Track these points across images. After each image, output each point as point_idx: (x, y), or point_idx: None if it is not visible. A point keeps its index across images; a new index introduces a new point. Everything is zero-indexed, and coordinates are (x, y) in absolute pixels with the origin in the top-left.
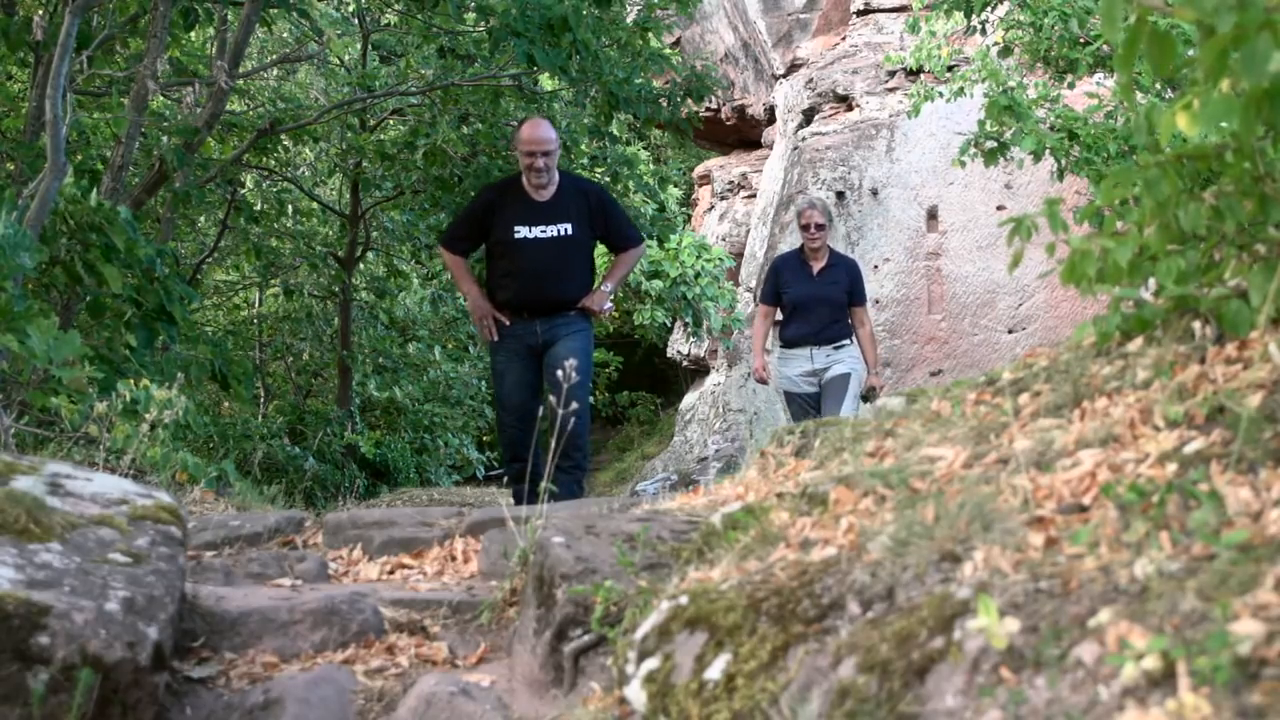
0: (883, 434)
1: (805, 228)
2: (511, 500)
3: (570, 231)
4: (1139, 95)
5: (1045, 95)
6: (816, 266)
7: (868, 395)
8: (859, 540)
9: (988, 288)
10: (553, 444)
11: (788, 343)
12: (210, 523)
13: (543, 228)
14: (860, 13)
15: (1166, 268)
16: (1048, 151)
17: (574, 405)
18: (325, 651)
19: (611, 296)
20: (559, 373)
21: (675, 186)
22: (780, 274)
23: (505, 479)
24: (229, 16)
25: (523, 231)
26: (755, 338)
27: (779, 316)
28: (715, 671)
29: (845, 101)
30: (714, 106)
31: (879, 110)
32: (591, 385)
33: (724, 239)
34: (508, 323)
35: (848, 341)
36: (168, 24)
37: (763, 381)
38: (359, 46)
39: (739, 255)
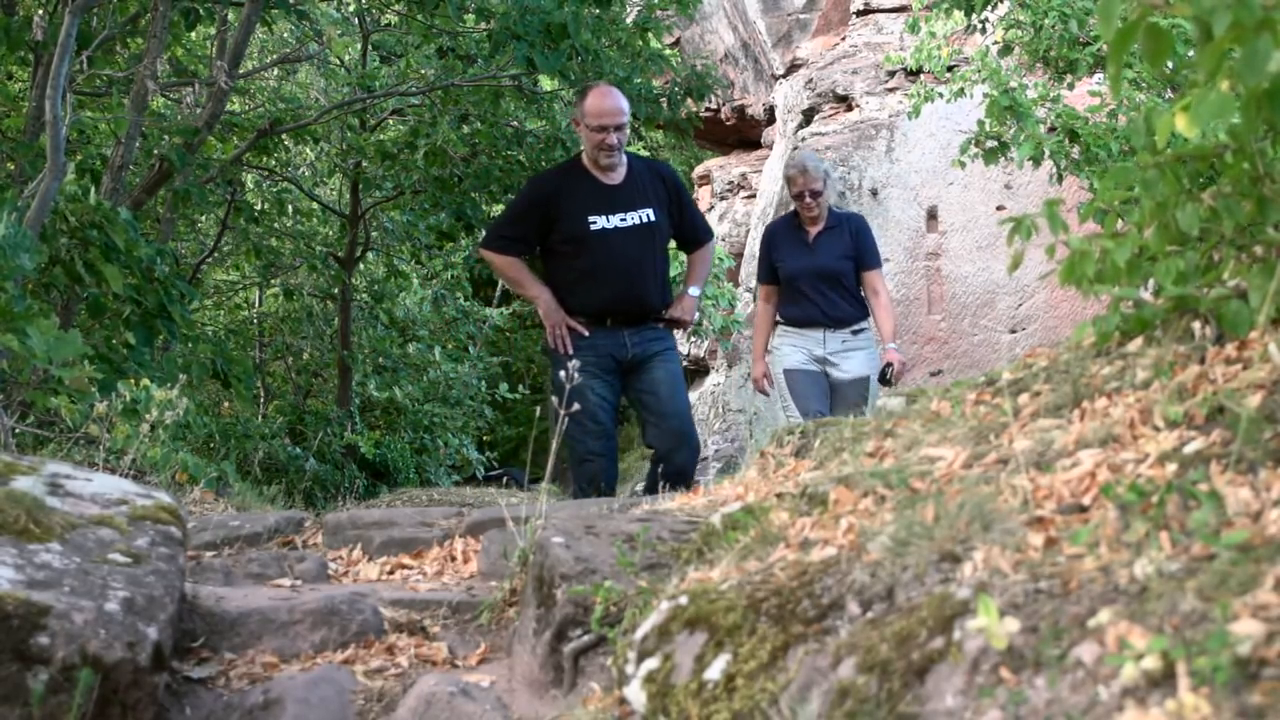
0: (883, 434)
1: (799, 197)
2: None
3: (654, 218)
4: (1139, 95)
5: (1045, 95)
6: (813, 231)
7: (884, 375)
8: (859, 540)
9: (988, 288)
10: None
11: (791, 321)
12: (210, 523)
13: (622, 215)
14: (860, 13)
15: (1166, 268)
16: (1046, 155)
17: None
18: (325, 652)
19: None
20: (668, 421)
21: None
22: (773, 244)
23: None
24: (229, 16)
25: (600, 221)
26: (756, 332)
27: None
28: (715, 672)
29: (845, 102)
30: (714, 107)
31: (879, 110)
32: None
33: (724, 239)
34: (586, 333)
35: (866, 324)
36: (168, 24)
37: (763, 392)
38: (359, 46)
39: (739, 255)
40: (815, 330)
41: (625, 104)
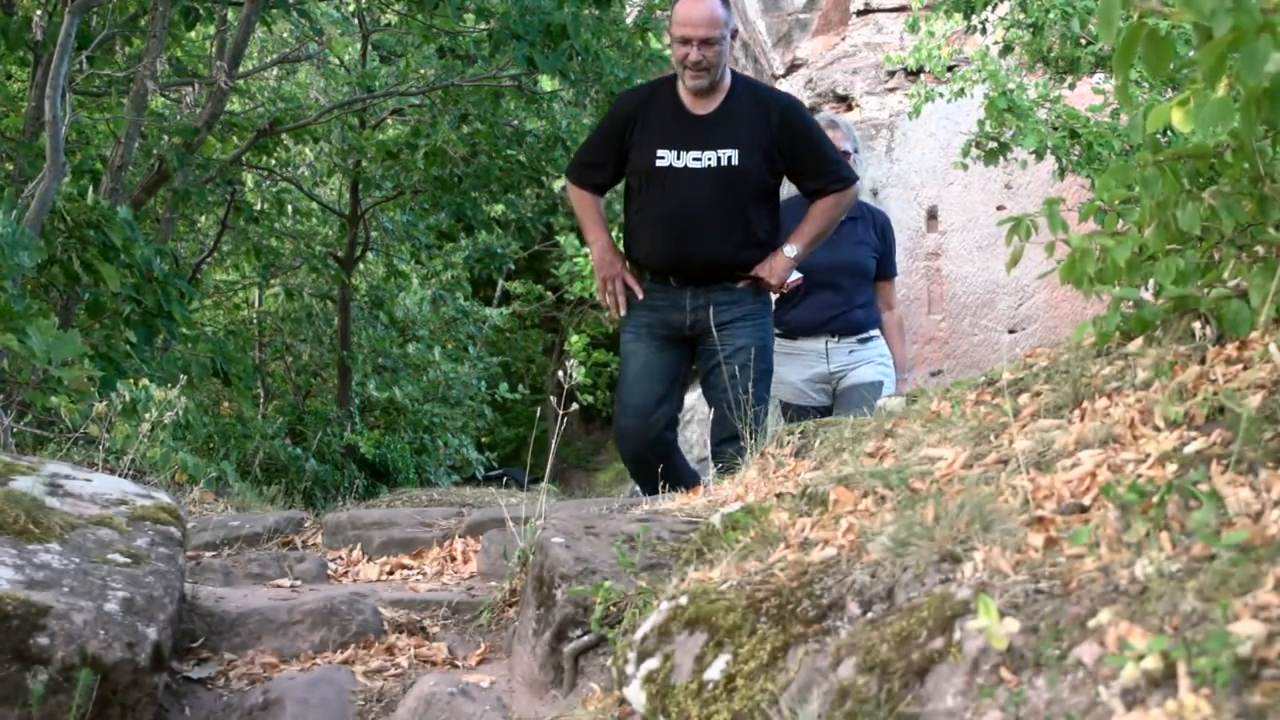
0: (883, 434)
1: None
2: None
3: (736, 161)
4: (1141, 94)
5: (1045, 95)
6: None
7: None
8: (859, 540)
9: (988, 288)
10: (552, 444)
11: (790, 331)
12: (210, 523)
13: (697, 154)
14: (860, 13)
15: (1166, 268)
16: (1049, 151)
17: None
18: (325, 652)
19: (797, 264)
20: (727, 389)
21: None
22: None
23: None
24: (229, 16)
25: (668, 158)
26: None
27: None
28: (715, 672)
29: (845, 101)
30: None
31: (879, 110)
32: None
33: None
34: (640, 294)
35: (877, 333)
36: (167, 24)
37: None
38: (359, 46)
39: None
40: (817, 340)
41: (721, 12)
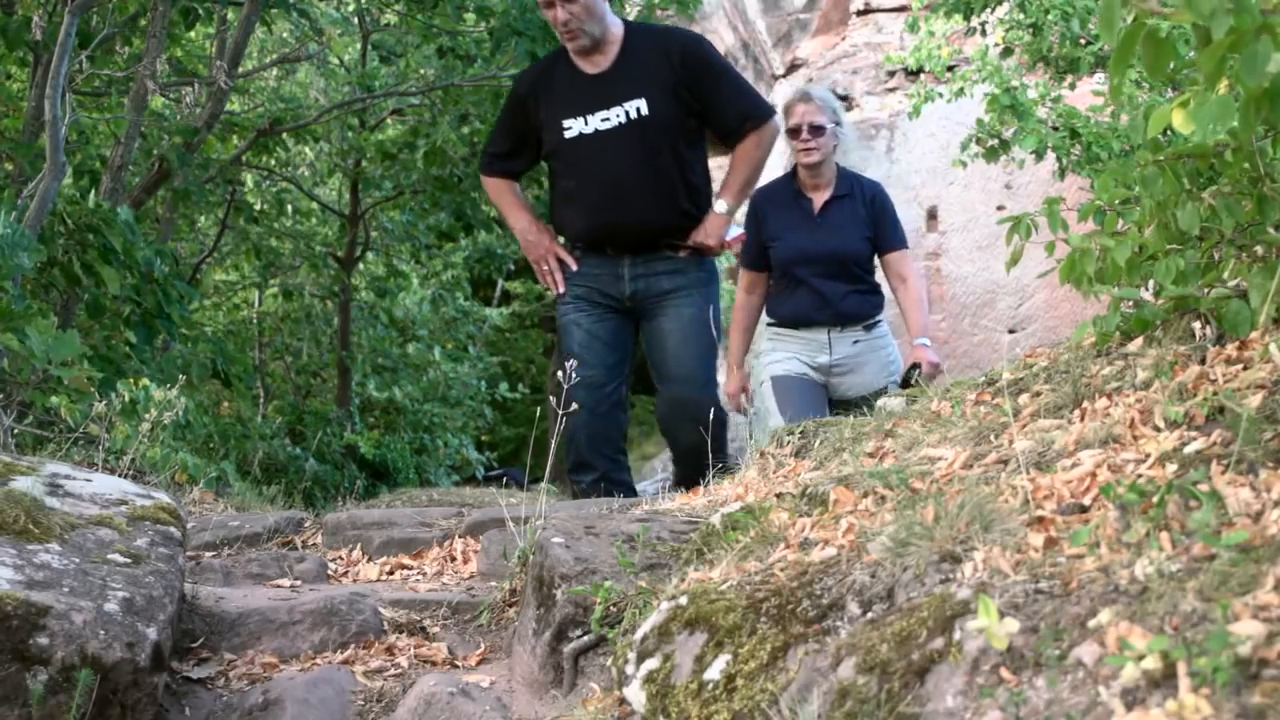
0: (883, 434)
1: (794, 132)
2: None
3: (646, 111)
4: (1141, 94)
5: (1046, 95)
6: (818, 200)
7: (909, 377)
8: (859, 540)
9: (988, 288)
10: (552, 444)
11: (785, 321)
12: (210, 523)
13: (604, 113)
14: (860, 13)
15: (1166, 268)
16: (1049, 150)
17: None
18: (325, 652)
19: (733, 217)
20: (670, 387)
21: None
22: (763, 217)
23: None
24: (229, 16)
25: (575, 126)
26: (734, 333)
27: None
28: (715, 672)
29: (845, 101)
30: None
31: (879, 110)
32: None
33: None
34: (574, 265)
35: (883, 317)
36: (167, 24)
37: (739, 411)
38: (359, 46)
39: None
40: (817, 332)
41: None
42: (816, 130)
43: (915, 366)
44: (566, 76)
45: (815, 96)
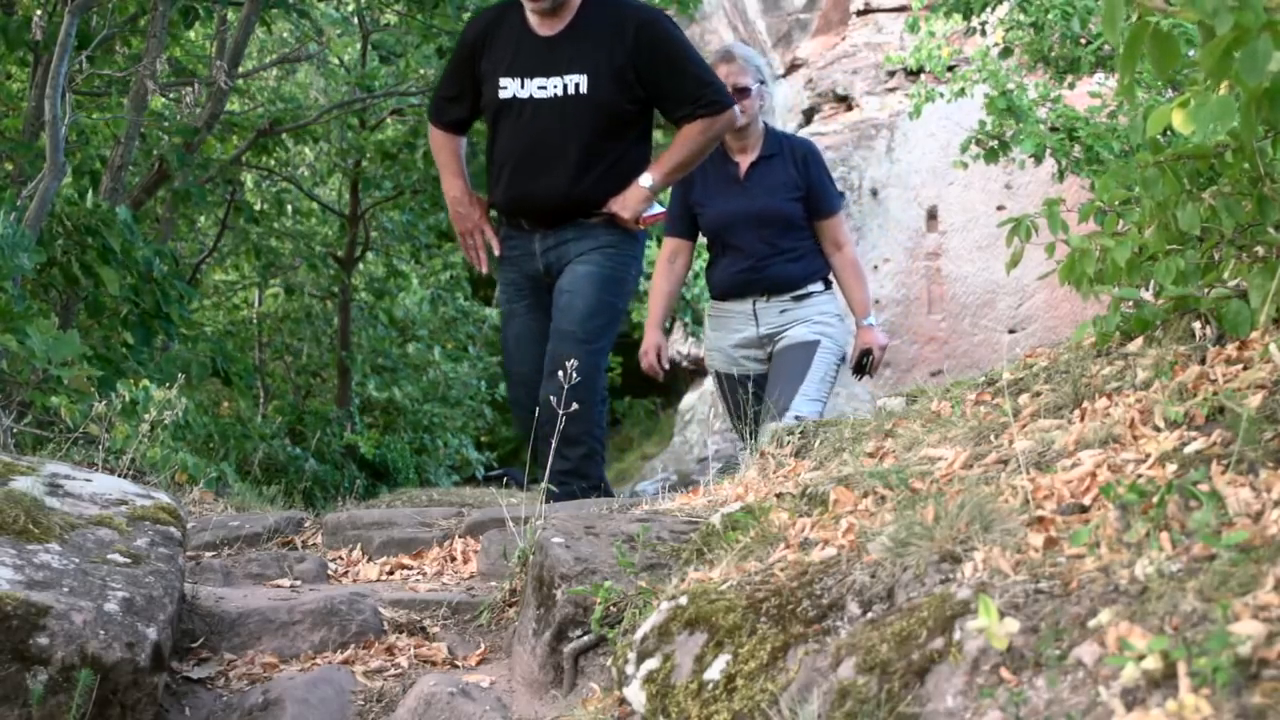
0: (883, 434)
1: None
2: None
3: (585, 89)
4: (1141, 94)
5: (1045, 95)
6: (744, 163)
7: (862, 363)
8: (859, 540)
9: (988, 288)
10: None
11: (717, 293)
12: (210, 523)
13: (542, 81)
14: (860, 13)
15: (1166, 268)
16: (1049, 152)
17: (574, 381)
18: (325, 652)
19: (657, 195)
20: (555, 341)
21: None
22: (689, 182)
23: (505, 480)
24: (229, 16)
25: (511, 88)
26: (651, 300)
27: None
28: (715, 672)
29: (845, 101)
30: None
31: (879, 110)
32: (609, 342)
33: None
34: (497, 247)
35: (817, 286)
36: (167, 24)
37: (653, 374)
38: (359, 46)
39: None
40: (743, 304)
41: None
42: (741, 92)
43: (867, 353)
44: (515, 33)
45: (739, 55)
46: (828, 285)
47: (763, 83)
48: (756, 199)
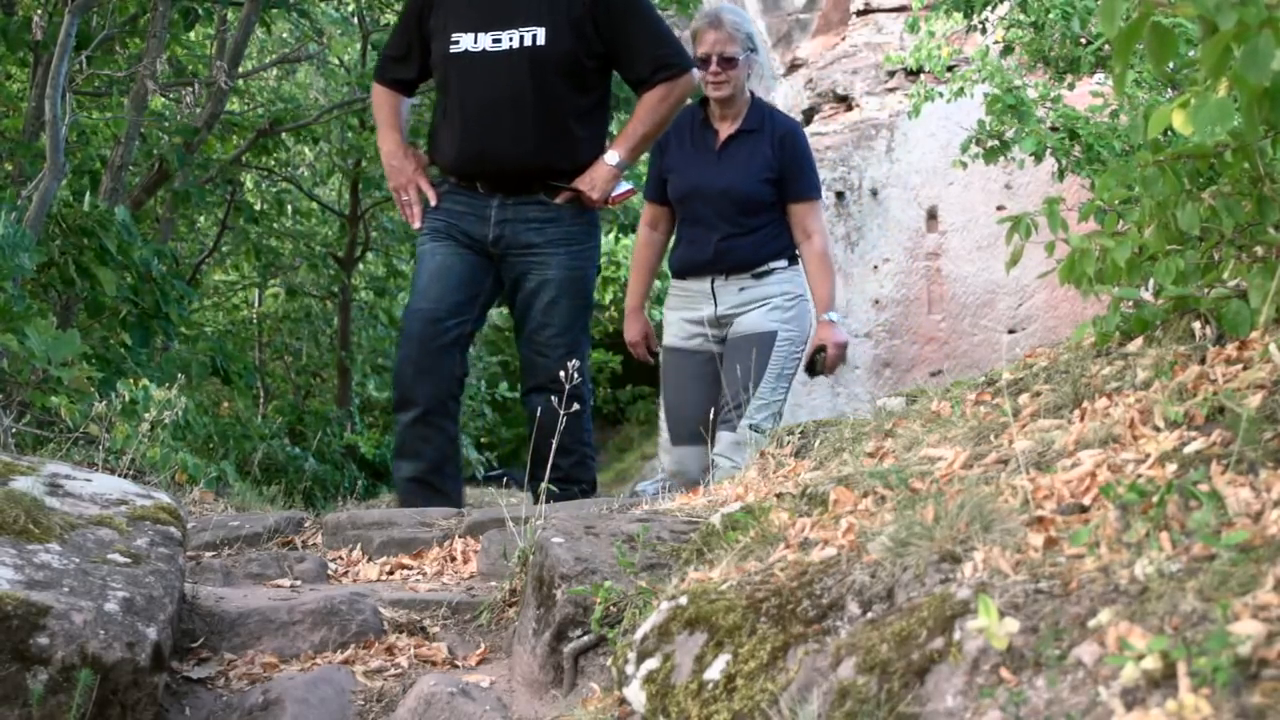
0: (883, 434)
1: (703, 61)
2: (396, 496)
3: (542, 40)
4: (1141, 94)
5: (1046, 95)
6: (722, 133)
7: (813, 363)
8: (859, 540)
9: (988, 288)
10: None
11: (677, 271)
12: (210, 523)
13: (496, 33)
14: (860, 13)
15: (1166, 268)
16: (1049, 151)
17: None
18: (325, 652)
19: (625, 172)
20: (528, 347)
21: None
22: (665, 146)
23: (396, 459)
24: (229, 16)
25: (464, 41)
26: (633, 271)
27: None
28: (715, 672)
29: (845, 101)
30: None
31: (879, 110)
32: (588, 344)
33: None
34: (434, 198)
35: (779, 263)
36: (167, 24)
37: (643, 359)
38: (359, 46)
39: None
40: (701, 282)
41: None
42: (728, 62)
43: (820, 350)
44: None
45: (727, 22)
46: (793, 262)
47: (753, 50)
48: (724, 175)
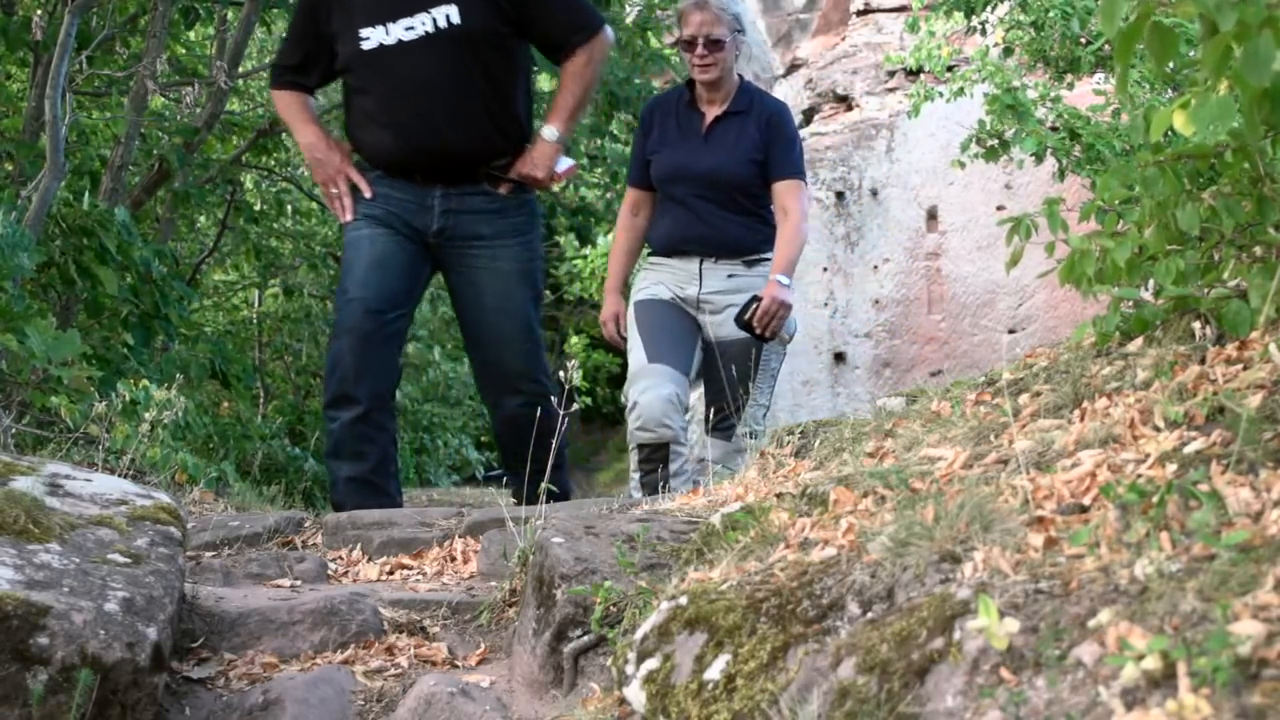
0: (883, 434)
1: (689, 44)
2: (332, 496)
3: (457, 18)
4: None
5: (1046, 95)
6: (709, 116)
7: (744, 311)
8: (859, 540)
9: (988, 288)
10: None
11: (661, 248)
12: (210, 523)
13: (407, 21)
14: (860, 13)
15: (1166, 268)
16: (1049, 151)
17: (529, 397)
18: (325, 652)
19: (562, 148)
20: (485, 352)
21: None
22: (649, 127)
23: (330, 454)
24: (229, 16)
25: (374, 36)
26: (611, 257)
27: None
28: (715, 672)
29: (845, 101)
30: None
31: (879, 110)
32: (542, 330)
33: None
34: (367, 190)
35: (770, 255)
36: (167, 24)
37: (613, 341)
38: None
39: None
40: (689, 261)
41: None
42: (715, 44)
43: (755, 299)
44: None
45: (712, 3)
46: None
47: (740, 31)
48: (710, 156)
